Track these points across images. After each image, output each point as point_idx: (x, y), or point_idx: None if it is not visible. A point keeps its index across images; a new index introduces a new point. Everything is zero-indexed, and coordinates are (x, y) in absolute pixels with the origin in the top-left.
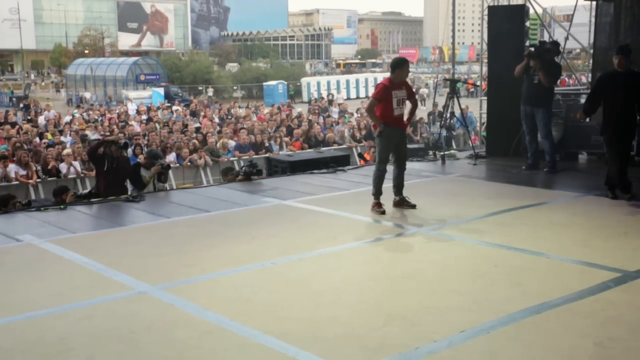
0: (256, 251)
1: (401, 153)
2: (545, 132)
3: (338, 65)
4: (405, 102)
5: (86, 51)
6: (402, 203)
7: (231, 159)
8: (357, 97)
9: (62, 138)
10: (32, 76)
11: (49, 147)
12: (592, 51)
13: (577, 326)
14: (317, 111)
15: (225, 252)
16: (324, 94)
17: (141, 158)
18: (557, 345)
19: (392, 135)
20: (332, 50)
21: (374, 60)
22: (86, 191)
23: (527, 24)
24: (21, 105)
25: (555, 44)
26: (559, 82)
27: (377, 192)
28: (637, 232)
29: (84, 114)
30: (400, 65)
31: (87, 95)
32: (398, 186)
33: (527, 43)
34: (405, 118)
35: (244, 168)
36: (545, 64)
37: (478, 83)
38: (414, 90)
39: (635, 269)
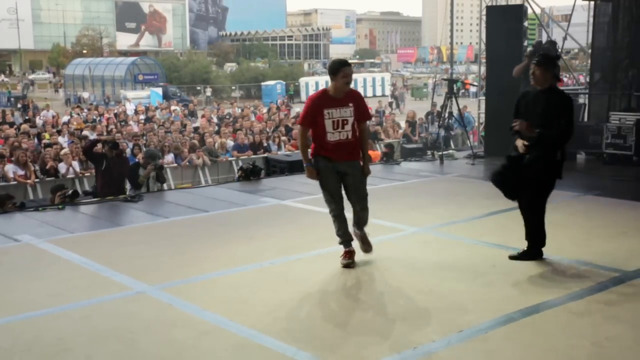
0: (255, 251)
1: (355, 191)
2: None
3: None
4: (348, 123)
5: (84, 51)
6: (361, 239)
7: (229, 158)
8: None
9: (60, 138)
10: (30, 76)
11: (46, 147)
12: (590, 51)
13: (575, 326)
14: None
15: (224, 252)
16: None
17: (140, 158)
18: (554, 345)
19: (328, 171)
20: (331, 50)
21: (372, 60)
22: (71, 190)
23: (526, 24)
24: (19, 105)
25: (552, 43)
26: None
27: (342, 238)
28: (635, 232)
29: (82, 114)
30: (335, 70)
31: (86, 95)
32: (358, 223)
33: (526, 43)
34: (360, 150)
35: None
36: None
37: (476, 83)
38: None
39: (633, 269)
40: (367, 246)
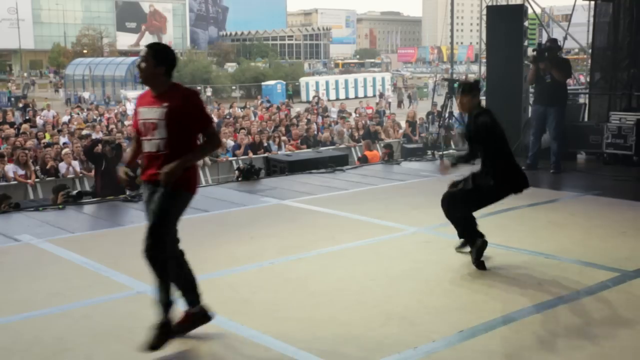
0: (255, 251)
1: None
2: (556, 133)
3: (337, 65)
4: (157, 129)
5: (85, 51)
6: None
7: (230, 158)
8: (356, 97)
9: (61, 138)
10: (31, 75)
11: (47, 147)
12: (590, 51)
13: (575, 326)
14: (315, 111)
15: (224, 252)
16: (323, 93)
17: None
18: (554, 344)
19: (144, 190)
20: (331, 50)
21: (372, 60)
22: (76, 191)
23: (526, 23)
24: (20, 105)
25: (553, 40)
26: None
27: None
28: (635, 232)
29: (82, 113)
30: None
31: (86, 95)
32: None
33: (526, 43)
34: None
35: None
36: (554, 62)
37: None
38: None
39: (634, 269)
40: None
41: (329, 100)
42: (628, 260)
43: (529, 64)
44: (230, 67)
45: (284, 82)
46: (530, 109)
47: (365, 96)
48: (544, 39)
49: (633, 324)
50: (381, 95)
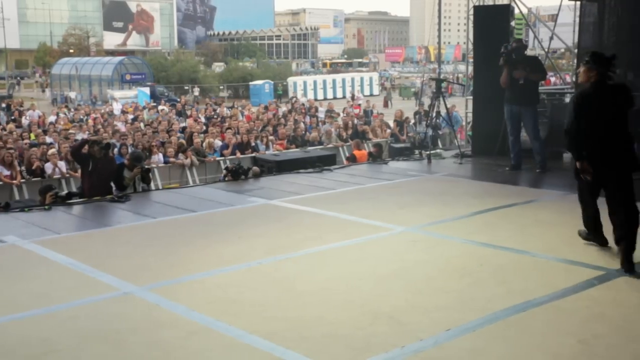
0: (242, 251)
1: None
2: (534, 133)
3: (324, 64)
4: None
5: (71, 50)
6: None
7: (217, 158)
8: (344, 97)
9: (47, 138)
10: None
11: (32, 147)
12: (576, 51)
13: (562, 324)
14: (303, 111)
15: (212, 252)
16: (311, 93)
17: (126, 159)
18: (541, 342)
19: None
20: (319, 49)
21: (360, 60)
22: (65, 192)
23: (513, 23)
24: (3, 105)
25: (519, 40)
26: (543, 82)
27: None
28: None
29: (69, 113)
30: None
31: (72, 95)
32: None
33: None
34: None
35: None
36: (525, 62)
37: (464, 82)
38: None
39: (619, 267)
40: None
41: (316, 100)
42: (613, 259)
43: (503, 64)
44: (218, 66)
45: (272, 82)
46: (504, 109)
47: (353, 96)
48: (530, 39)
49: (618, 321)
50: (353, 97)
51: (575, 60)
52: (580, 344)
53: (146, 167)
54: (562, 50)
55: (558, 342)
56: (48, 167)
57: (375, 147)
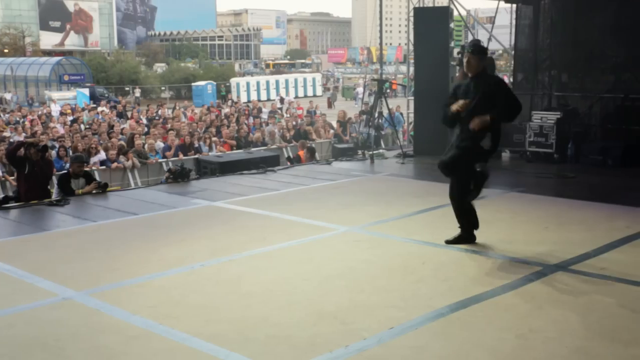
0: (185, 253)
1: None
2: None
3: (267, 65)
4: None
5: (6, 50)
6: None
7: (159, 160)
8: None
9: None
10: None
11: None
12: (513, 52)
13: (501, 319)
14: (247, 112)
15: (153, 255)
16: (254, 94)
17: (68, 164)
18: (481, 338)
19: None
20: (262, 50)
21: (303, 61)
22: (2, 196)
23: (452, 25)
24: None
25: (476, 41)
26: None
27: None
28: (556, 227)
29: (4, 115)
30: None
31: (8, 96)
32: None
33: (452, 44)
34: None
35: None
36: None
37: (404, 83)
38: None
39: (555, 263)
40: None
41: (259, 100)
42: (550, 255)
43: (457, 66)
44: (160, 67)
45: (215, 83)
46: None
47: (297, 96)
48: (470, 40)
49: (554, 315)
50: (282, 100)
51: (513, 62)
52: (518, 339)
53: (103, 183)
54: (500, 51)
55: (497, 337)
56: None
57: (308, 151)
